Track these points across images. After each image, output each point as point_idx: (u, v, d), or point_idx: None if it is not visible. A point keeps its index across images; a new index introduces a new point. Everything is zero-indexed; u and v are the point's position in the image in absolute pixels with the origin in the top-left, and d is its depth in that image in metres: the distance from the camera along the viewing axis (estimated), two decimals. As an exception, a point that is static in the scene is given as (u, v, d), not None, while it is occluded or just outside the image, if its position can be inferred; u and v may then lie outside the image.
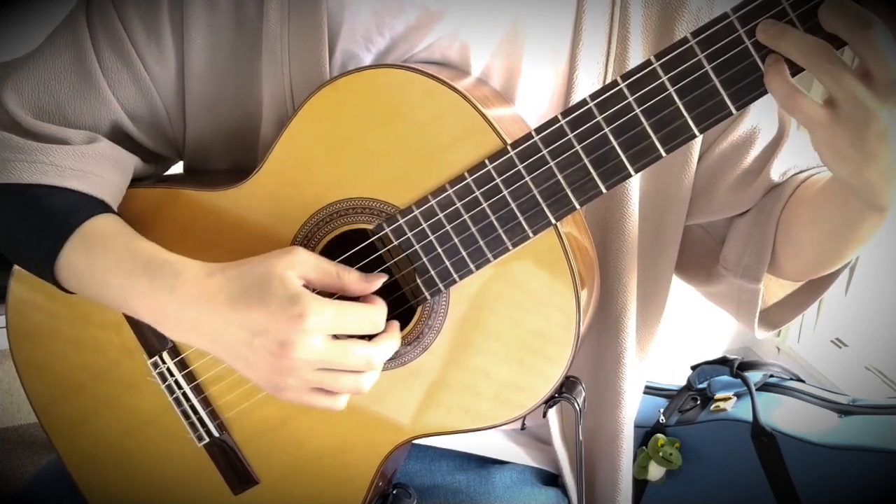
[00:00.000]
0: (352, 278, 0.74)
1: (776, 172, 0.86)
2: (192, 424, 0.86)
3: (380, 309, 0.75)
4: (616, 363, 0.92)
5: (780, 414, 1.34)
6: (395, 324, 0.77)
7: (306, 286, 0.71)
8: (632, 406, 0.96)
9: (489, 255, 0.73)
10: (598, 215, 0.86)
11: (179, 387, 0.84)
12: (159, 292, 0.74)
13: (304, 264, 0.72)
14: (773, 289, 0.90)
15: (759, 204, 0.87)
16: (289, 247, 0.73)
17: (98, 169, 0.81)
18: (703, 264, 0.93)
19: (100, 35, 0.82)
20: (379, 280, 0.76)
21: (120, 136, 0.86)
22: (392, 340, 0.75)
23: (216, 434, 0.86)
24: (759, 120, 0.85)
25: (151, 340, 0.84)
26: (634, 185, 0.85)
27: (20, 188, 0.80)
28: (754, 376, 1.41)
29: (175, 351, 0.84)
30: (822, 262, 0.82)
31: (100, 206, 0.81)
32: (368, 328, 0.73)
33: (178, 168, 0.96)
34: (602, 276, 0.87)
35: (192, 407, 0.85)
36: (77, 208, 0.79)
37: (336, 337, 0.71)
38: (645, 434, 1.39)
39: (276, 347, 0.69)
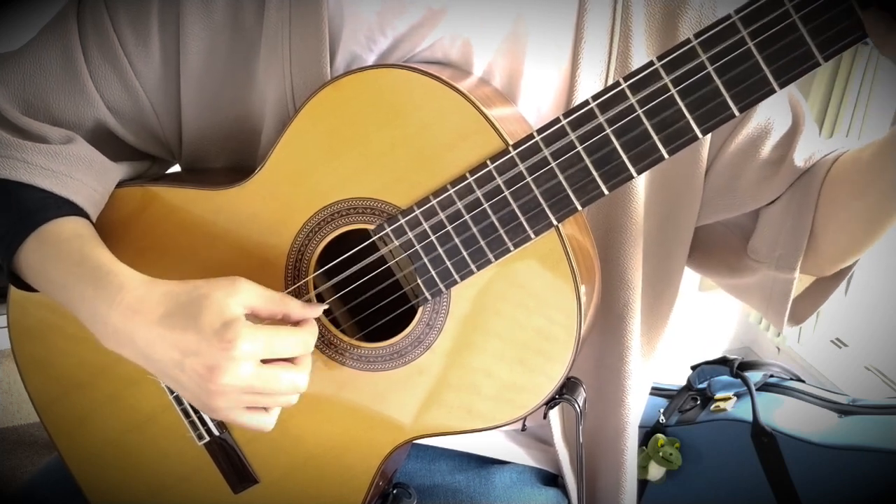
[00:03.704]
0: (294, 304, 0.75)
1: (800, 159, 0.85)
2: (192, 423, 0.86)
3: (311, 330, 0.75)
4: (619, 361, 0.92)
5: (780, 414, 1.34)
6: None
7: (250, 315, 0.72)
8: (637, 405, 0.96)
9: (490, 256, 0.73)
10: (602, 214, 0.86)
11: (179, 386, 0.84)
12: (100, 302, 0.74)
13: (247, 292, 0.72)
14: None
15: (788, 192, 0.86)
16: (232, 276, 0.73)
17: (70, 169, 0.81)
18: (726, 259, 0.93)
19: (89, 33, 0.83)
20: (320, 308, 0.77)
21: (105, 134, 0.86)
22: (309, 357, 0.76)
23: (216, 433, 0.86)
24: (771, 112, 0.85)
25: None
26: (640, 184, 0.85)
27: None
28: (754, 376, 1.42)
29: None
30: (872, 233, 0.81)
31: (68, 207, 0.81)
32: (300, 350, 0.74)
33: (176, 168, 0.96)
34: (605, 274, 0.87)
35: (192, 405, 0.85)
36: (40, 208, 0.80)
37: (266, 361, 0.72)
38: (645, 434, 1.39)
39: (205, 371, 0.69)
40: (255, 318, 0.73)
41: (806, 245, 0.84)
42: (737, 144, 0.85)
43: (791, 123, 0.86)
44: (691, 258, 0.94)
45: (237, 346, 0.68)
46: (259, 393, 0.72)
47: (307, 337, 0.74)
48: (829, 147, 0.87)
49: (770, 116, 0.85)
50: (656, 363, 0.97)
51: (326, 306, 0.78)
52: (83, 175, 0.82)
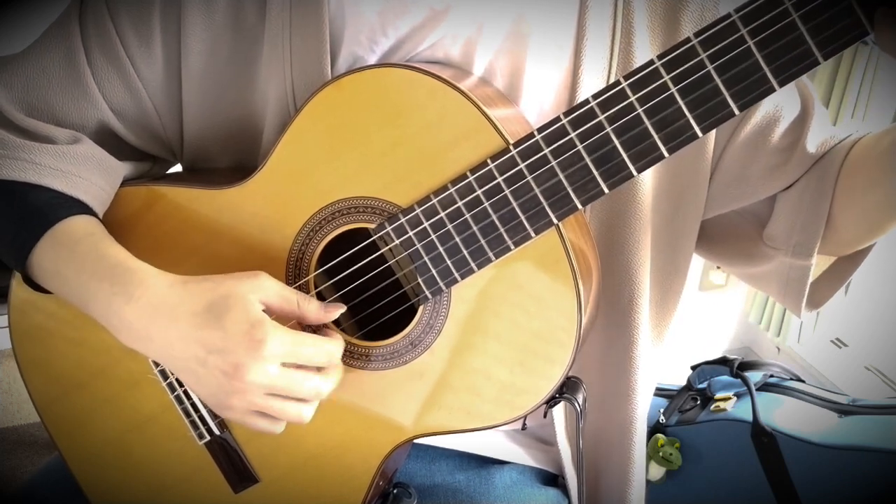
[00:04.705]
0: (311, 308, 0.75)
1: (812, 145, 0.85)
2: (192, 422, 0.86)
3: (337, 343, 0.76)
4: (625, 356, 0.92)
5: (780, 414, 1.34)
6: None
7: (265, 311, 0.72)
8: (644, 400, 0.96)
9: (490, 255, 0.73)
10: (605, 212, 0.86)
11: (180, 384, 0.84)
12: (118, 298, 0.74)
13: (267, 290, 0.72)
14: None
15: (804, 178, 0.86)
16: (254, 271, 0.73)
17: (78, 169, 0.81)
18: (742, 248, 0.92)
19: (91, 35, 0.83)
20: (337, 310, 0.77)
21: (107, 135, 0.87)
22: (340, 371, 0.77)
23: (217, 432, 0.86)
24: (779, 99, 0.85)
25: None
26: (646, 179, 0.85)
27: (1, 182, 0.81)
28: (754, 376, 1.42)
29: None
30: (893, 217, 0.80)
31: (77, 207, 0.81)
32: (324, 362, 0.74)
33: (177, 168, 0.96)
34: (610, 269, 0.87)
35: (193, 405, 0.85)
36: (52, 208, 0.80)
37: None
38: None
39: (230, 368, 0.69)
40: (266, 313, 0.73)
41: (823, 232, 0.84)
42: (746, 134, 0.85)
43: (800, 110, 0.86)
44: (707, 249, 0.94)
45: (266, 345, 0.69)
46: (279, 395, 0.72)
47: (332, 348, 0.75)
48: (844, 132, 0.86)
49: (778, 104, 0.85)
50: (663, 357, 0.96)
51: (344, 308, 0.78)
52: (91, 174, 0.82)
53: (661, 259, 0.89)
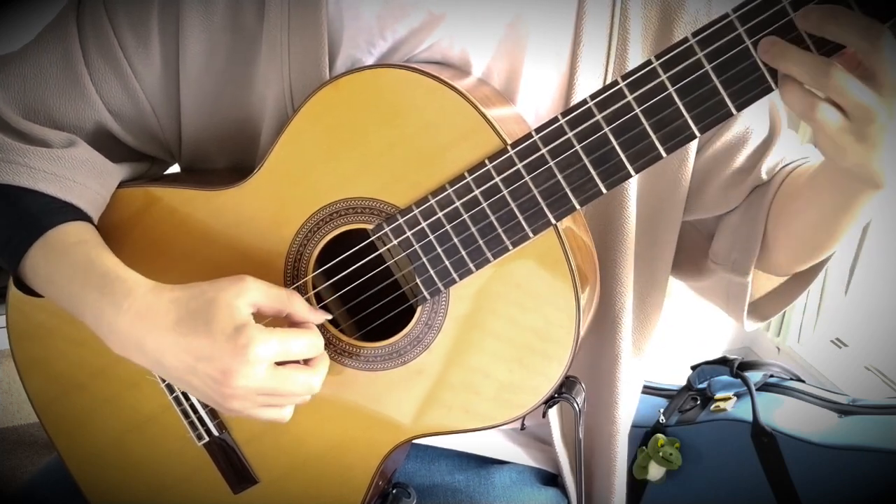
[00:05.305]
0: (300, 305, 0.76)
1: (765, 171, 0.87)
2: (191, 423, 0.86)
3: (317, 332, 0.77)
4: (613, 364, 0.92)
5: (780, 414, 1.34)
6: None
7: (256, 313, 0.72)
8: (628, 407, 0.96)
9: (489, 255, 0.73)
10: (598, 218, 0.86)
11: (179, 386, 0.85)
12: (108, 308, 0.74)
13: (254, 291, 0.73)
14: (761, 281, 0.91)
15: (746, 200, 0.88)
16: (239, 275, 0.74)
17: (73, 173, 0.81)
18: (692, 259, 0.94)
19: (89, 36, 0.83)
20: (323, 316, 0.78)
21: (104, 137, 0.86)
22: (326, 361, 0.77)
23: (216, 433, 0.86)
24: (751, 121, 0.86)
25: None
26: (633, 186, 0.85)
27: None
28: (754, 376, 1.42)
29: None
30: (816, 248, 0.82)
31: (71, 212, 0.81)
32: (311, 353, 0.75)
33: (175, 168, 0.96)
34: (601, 277, 0.87)
35: (192, 406, 0.85)
36: (45, 213, 0.80)
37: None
38: (645, 434, 1.39)
39: (219, 375, 0.70)
40: (259, 315, 0.73)
41: (759, 251, 0.86)
42: (714, 150, 0.87)
43: (767, 134, 0.87)
44: None
45: (251, 349, 0.69)
46: (273, 394, 0.73)
47: (315, 339, 0.75)
48: (798, 154, 0.88)
49: (749, 125, 0.86)
50: (646, 364, 0.97)
51: (330, 316, 0.79)
52: (85, 178, 0.82)
53: (640, 268, 0.90)
